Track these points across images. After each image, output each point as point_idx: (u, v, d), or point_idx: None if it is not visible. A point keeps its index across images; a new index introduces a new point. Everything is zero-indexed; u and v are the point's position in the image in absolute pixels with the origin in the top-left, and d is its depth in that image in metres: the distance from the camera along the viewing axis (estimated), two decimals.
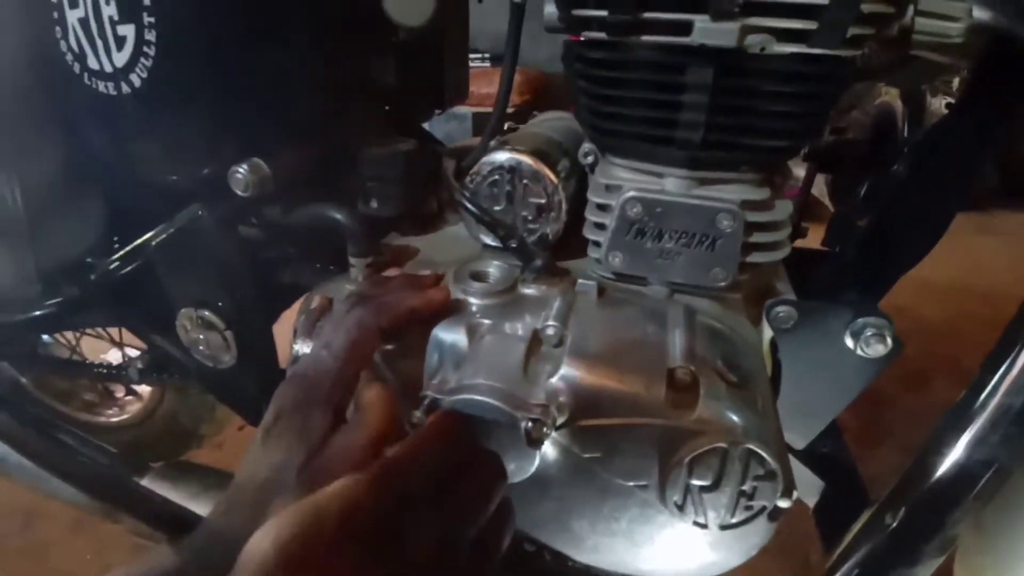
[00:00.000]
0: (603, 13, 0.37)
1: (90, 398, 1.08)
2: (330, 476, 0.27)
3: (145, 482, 0.64)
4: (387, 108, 0.63)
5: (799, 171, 0.71)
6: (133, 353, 0.99)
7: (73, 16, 0.44)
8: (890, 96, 0.56)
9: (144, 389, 1.03)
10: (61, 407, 1.08)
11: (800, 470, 0.59)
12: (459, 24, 0.60)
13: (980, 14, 0.37)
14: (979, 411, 0.37)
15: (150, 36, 0.39)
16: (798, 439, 0.56)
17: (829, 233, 0.57)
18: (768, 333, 0.51)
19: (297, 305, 0.56)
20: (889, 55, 0.41)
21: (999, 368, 0.37)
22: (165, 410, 0.97)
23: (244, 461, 0.37)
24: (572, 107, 0.48)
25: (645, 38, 0.37)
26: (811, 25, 0.34)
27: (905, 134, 0.54)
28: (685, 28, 0.35)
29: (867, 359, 0.47)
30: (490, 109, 0.52)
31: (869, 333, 0.46)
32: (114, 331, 1.04)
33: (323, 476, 0.29)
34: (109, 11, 0.41)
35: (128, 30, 0.40)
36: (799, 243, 0.70)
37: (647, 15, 0.36)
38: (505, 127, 0.65)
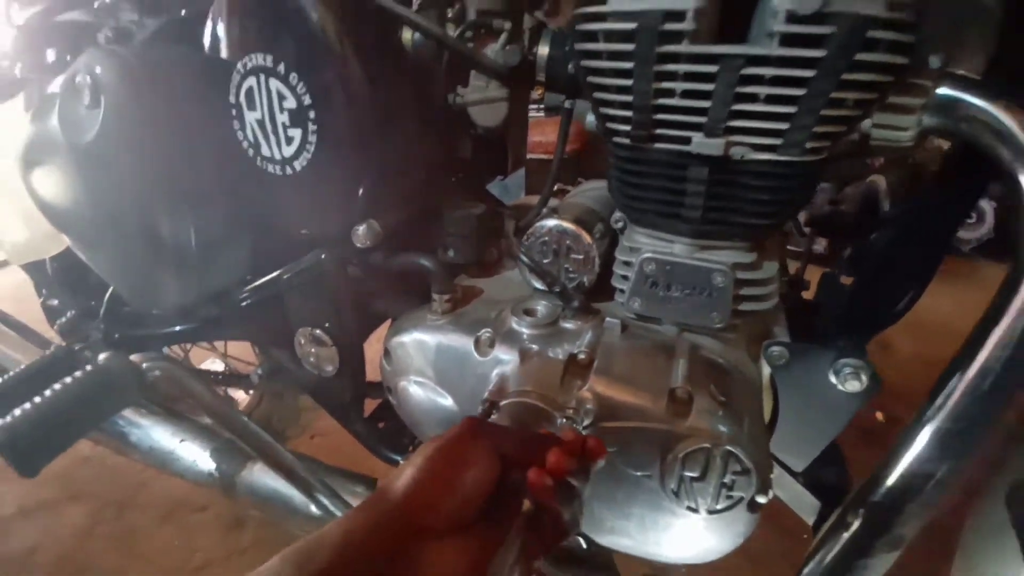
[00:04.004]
0: (627, 128, 0.51)
1: None
2: None
3: (256, 468, 0.82)
4: (459, 175, 0.80)
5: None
6: (227, 359, 1.18)
7: (251, 116, 0.61)
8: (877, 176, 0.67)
9: (241, 395, 1.21)
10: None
11: (800, 492, 0.68)
12: (522, 115, 0.76)
13: (929, 121, 0.48)
14: (923, 432, 0.47)
15: (312, 138, 0.57)
16: (797, 462, 0.65)
17: (819, 289, 0.68)
18: (768, 370, 0.62)
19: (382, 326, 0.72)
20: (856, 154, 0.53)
21: (938, 398, 0.46)
22: (261, 413, 1.14)
23: None
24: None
25: (658, 145, 0.51)
26: (778, 141, 0.47)
27: (887, 208, 0.65)
28: (686, 140, 0.49)
29: (848, 394, 0.57)
30: (541, 156, 0.67)
31: (847, 371, 0.56)
32: (219, 344, 1.24)
33: None
34: (282, 118, 0.58)
35: (296, 132, 0.57)
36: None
37: (659, 131, 0.50)
38: (556, 188, 0.81)
